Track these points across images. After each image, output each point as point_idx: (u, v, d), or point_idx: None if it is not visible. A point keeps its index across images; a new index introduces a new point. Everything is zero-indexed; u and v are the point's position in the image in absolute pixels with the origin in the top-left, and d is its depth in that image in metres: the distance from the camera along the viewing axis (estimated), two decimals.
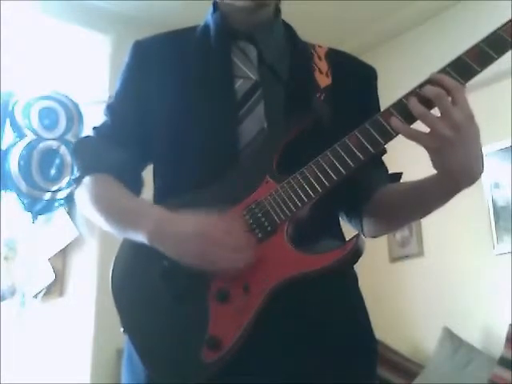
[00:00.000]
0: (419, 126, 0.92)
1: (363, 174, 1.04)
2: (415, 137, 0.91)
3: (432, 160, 0.93)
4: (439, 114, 0.90)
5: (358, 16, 3.65)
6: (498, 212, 3.11)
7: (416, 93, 0.92)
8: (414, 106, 0.91)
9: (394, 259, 3.61)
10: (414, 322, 3.42)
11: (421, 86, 0.93)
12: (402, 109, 0.93)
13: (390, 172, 1.18)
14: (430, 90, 0.90)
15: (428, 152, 0.92)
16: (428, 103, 0.91)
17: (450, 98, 0.90)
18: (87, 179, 1.11)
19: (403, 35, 3.77)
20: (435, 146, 0.90)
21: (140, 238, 0.98)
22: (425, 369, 3.05)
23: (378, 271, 3.55)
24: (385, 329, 2.86)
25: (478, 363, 2.84)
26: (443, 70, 0.93)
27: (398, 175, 1.16)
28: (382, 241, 3.59)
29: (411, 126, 0.93)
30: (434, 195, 1.00)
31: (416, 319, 3.42)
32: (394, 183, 1.14)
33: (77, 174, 1.13)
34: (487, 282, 3.08)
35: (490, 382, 2.69)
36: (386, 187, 1.12)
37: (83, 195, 1.11)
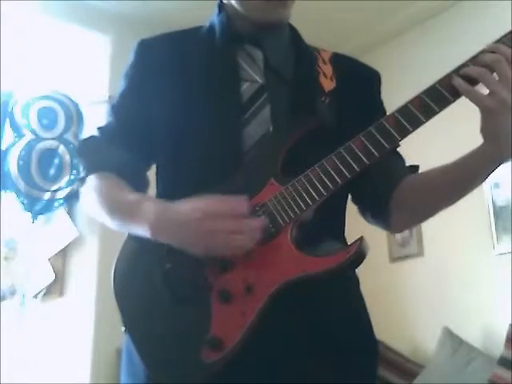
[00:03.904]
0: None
1: (384, 164, 1.04)
2: (475, 96, 0.92)
3: (483, 123, 0.94)
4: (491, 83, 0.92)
5: (358, 16, 3.65)
6: (497, 212, 3.11)
7: (457, 72, 0.94)
8: (473, 69, 0.92)
9: (394, 259, 3.61)
10: (414, 322, 3.42)
11: (462, 66, 0.94)
12: (407, 113, 0.94)
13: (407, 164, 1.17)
14: (488, 56, 0.92)
15: (482, 114, 0.93)
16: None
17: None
18: (91, 178, 1.11)
19: (403, 35, 3.77)
20: (493, 106, 0.91)
21: (141, 231, 0.98)
22: (425, 369, 3.05)
23: (378, 271, 3.54)
24: (385, 329, 2.86)
25: (478, 363, 2.84)
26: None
27: (416, 167, 1.15)
28: (382, 241, 3.59)
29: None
30: (476, 169, 0.99)
31: (416, 319, 3.42)
32: (415, 173, 1.14)
33: (82, 173, 1.14)
34: (487, 281, 3.08)
35: (489, 382, 2.68)
36: (413, 175, 1.12)
37: (88, 194, 1.12)
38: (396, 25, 3.72)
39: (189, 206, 0.94)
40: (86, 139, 1.20)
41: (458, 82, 0.93)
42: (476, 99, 0.92)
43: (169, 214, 0.96)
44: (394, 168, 1.12)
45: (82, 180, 1.13)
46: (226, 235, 0.91)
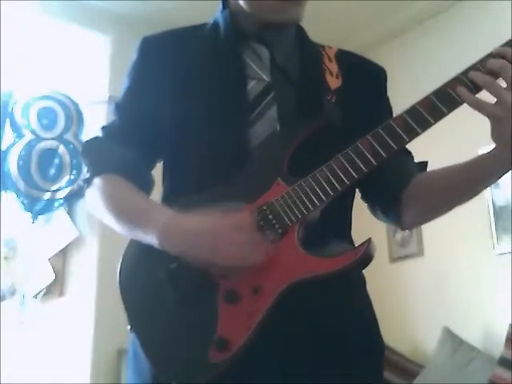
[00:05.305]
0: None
1: (395, 161, 1.04)
2: (481, 106, 0.92)
3: (493, 130, 0.93)
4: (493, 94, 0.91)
5: (358, 16, 3.65)
6: (497, 212, 3.11)
7: (465, 75, 0.93)
8: (479, 76, 0.92)
9: (394, 259, 3.61)
10: (414, 322, 3.42)
11: (470, 68, 0.94)
12: (415, 115, 0.94)
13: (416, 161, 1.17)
14: (494, 62, 0.91)
15: (491, 122, 0.93)
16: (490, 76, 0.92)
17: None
18: (97, 180, 1.09)
19: (403, 35, 3.76)
20: (500, 115, 0.90)
21: (149, 240, 0.97)
22: (425, 369, 3.05)
23: (378, 271, 3.54)
24: (385, 329, 2.85)
25: (478, 363, 2.84)
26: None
27: (425, 164, 1.15)
28: (382, 241, 3.59)
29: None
30: (488, 172, 0.99)
31: (416, 319, 3.42)
32: (425, 171, 1.14)
33: (87, 174, 1.12)
34: (487, 281, 3.08)
35: (489, 382, 2.68)
36: (425, 173, 1.12)
37: (94, 196, 1.10)
38: (396, 25, 3.72)
39: (199, 220, 0.94)
40: (89, 140, 1.19)
41: (463, 92, 0.92)
42: (483, 109, 0.92)
43: (178, 225, 0.95)
44: (405, 166, 1.12)
45: (87, 182, 1.12)
46: (235, 248, 0.90)
